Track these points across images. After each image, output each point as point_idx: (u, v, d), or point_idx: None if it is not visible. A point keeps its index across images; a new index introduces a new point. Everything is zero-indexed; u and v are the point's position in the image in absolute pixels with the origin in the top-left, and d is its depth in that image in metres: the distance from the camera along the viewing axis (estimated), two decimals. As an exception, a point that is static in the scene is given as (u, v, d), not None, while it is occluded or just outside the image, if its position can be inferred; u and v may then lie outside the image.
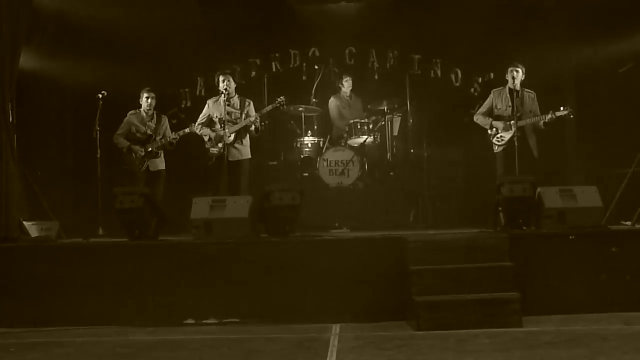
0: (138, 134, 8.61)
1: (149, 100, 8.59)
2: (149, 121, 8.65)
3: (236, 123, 8.35)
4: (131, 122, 8.64)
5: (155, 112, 8.71)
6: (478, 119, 8.43)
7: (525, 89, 8.23)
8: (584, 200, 6.69)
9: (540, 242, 6.46)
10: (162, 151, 8.66)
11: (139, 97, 8.67)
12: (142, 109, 8.65)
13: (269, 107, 8.64)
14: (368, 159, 9.60)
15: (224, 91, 8.27)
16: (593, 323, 5.83)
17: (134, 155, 8.54)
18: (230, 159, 8.27)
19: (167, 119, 8.87)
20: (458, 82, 10.48)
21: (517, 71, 8.11)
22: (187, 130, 8.53)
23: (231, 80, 8.41)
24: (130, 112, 8.69)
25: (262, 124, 8.69)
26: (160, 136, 8.63)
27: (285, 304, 6.36)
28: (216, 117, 8.42)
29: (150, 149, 8.55)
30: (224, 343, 5.57)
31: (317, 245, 6.65)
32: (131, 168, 8.55)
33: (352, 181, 9.43)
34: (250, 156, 8.50)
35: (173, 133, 8.61)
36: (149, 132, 8.61)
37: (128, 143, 8.56)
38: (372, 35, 10.49)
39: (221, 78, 8.34)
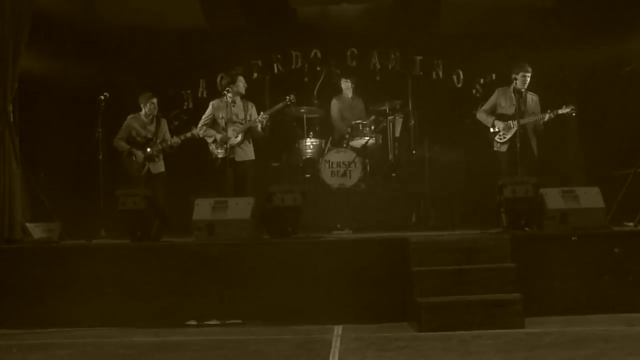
0: (138, 138, 8.61)
1: (152, 105, 8.58)
2: (148, 125, 8.65)
3: (242, 124, 8.37)
4: (131, 126, 8.64)
5: (154, 115, 8.70)
6: (480, 116, 8.45)
7: (529, 92, 8.25)
8: (587, 202, 6.70)
9: (542, 243, 6.46)
10: (162, 154, 8.66)
11: (141, 98, 8.66)
12: (142, 113, 8.64)
13: (279, 106, 8.66)
14: (370, 160, 9.60)
15: (240, 92, 8.32)
16: (596, 324, 5.83)
17: (134, 158, 8.54)
18: (237, 159, 8.28)
19: (166, 123, 8.86)
20: (460, 83, 10.47)
21: (527, 75, 8.13)
22: (188, 134, 8.52)
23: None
24: (130, 116, 8.68)
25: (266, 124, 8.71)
26: (160, 139, 8.62)
27: (287, 305, 6.36)
28: (221, 117, 8.41)
29: (150, 153, 8.55)
30: (226, 344, 5.57)
31: (319, 247, 6.66)
32: (131, 171, 8.54)
33: (354, 182, 9.43)
34: (253, 157, 8.51)
35: (174, 137, 8.60)
36: (149, 135, 8.61)
37: (128, 147, 8.56)
38: (374, 36, 10.48)
39: (241, 78, 8.42)
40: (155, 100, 8.61)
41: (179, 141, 8.54)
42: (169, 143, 8.55)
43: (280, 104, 8.65)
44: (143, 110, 8.62)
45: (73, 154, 9.96)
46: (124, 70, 9.75)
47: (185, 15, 9.93)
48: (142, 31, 9.76)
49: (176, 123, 9.93)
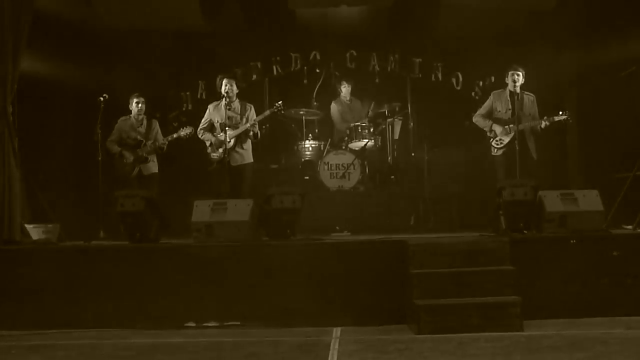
0: (128, 140, 8.61)
1: (139, 105, 8.58)
2: (138, 127, 8.64)
3: (237, 128, 8.34)
4: (121, 128, 8.63)
5: (145, 117, 8.69)
6: (477, 120, 8.42)
7: (525, 92, 8.22)
8: (585, 204, 6.70)
9: (541, 246, 6.46)
10: (153, 155, 8.64)
11: (130, 100, 8.66)
12: (132, 115, 8.64)
13: (267, 112, 8.55)
14: (369, 162, 9.62)
15: (225, 95, 8.25)
16: (594, 327, 5.84)
17: (124, 160, 8.54)
18: (232, 164, 8.24)
19: (157, 124, 8.83)
20: (459, 85, 10.50)
21: (517, 75, 8.10)
22: (175, 135, 8.50)
23: (234, 84, 8.39)
24: (121, 118, 8.68)
25: (263, 127, 8.65)
26: (151, 141, 8.60)
27: (286, 307, 6.36)
28: (217, 121, 8.40)
29: (140, 154, 8.54)
30: (224, 346, 5.58)
31: (318, 249, 6.65)
32: (123, 173, 8.54)
33: (353, 184, 9.44)
34: (252, 160, 8.46)
35: (163, 138, 8.60)
36: (138, 137, 8.60)
37: (119, 149, 8.56)
38: (373, 38, 10.51)
39: (224, 81, 8.30)
40: (142, 100, 8.59)
41: (166, 142, 8.53)
42: (158, 144, 8.55)
43: (268, 111, 8.51)
44: (132, 111, 8.62)
45: (72, 155, 9.97)
46: (123, 71, 9.74)
47: (184, 17, 9.93)
48: (141, 32, 9.77)
49: (175, 125, 9.93)
